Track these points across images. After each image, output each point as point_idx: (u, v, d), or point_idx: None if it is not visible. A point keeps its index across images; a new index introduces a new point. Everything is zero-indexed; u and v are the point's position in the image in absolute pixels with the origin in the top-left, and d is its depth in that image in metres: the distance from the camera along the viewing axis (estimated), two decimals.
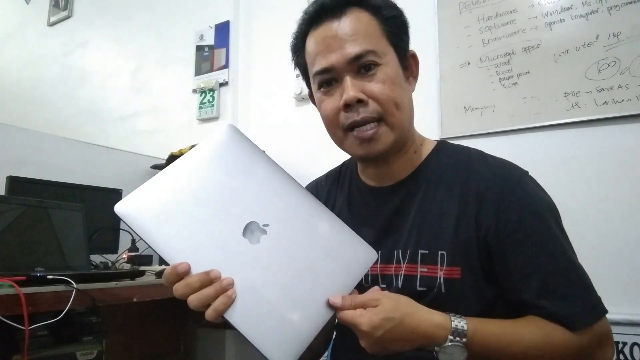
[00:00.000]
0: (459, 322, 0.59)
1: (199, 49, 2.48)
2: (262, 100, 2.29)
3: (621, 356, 1.31)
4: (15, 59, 3.56)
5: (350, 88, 0.66)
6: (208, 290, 0.52)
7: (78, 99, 3.07)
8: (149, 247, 0.54)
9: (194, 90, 2.45)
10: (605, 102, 1.43)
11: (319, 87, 0.71)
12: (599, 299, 0.64)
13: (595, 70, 1.46)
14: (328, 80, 0.70)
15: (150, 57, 2.74)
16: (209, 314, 0.52)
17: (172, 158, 2.00)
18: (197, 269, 0.53)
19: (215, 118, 2.36)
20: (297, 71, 0.79)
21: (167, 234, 0.54)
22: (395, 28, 0.71)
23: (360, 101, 0.66)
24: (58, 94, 3.19)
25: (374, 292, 0.59)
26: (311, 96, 0.79)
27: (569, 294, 0.62)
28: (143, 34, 2.80)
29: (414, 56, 0.75)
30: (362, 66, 0.67)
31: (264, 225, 0.58)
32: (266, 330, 0.53)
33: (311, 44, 0.71)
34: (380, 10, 0.70)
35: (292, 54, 0.78)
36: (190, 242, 0.54)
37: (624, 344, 1.31)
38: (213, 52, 2.42)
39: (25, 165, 1.64)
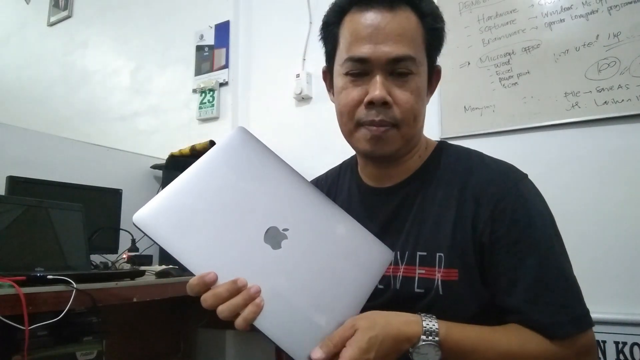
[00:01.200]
0: (430, 322, 0.59)
1: (199, 49, 2.48)
2: (262, 100, 2.29)
3: (621, 356, 1.31)
4: (15, 59, 3.56)
5: (380, 87, 0.64)
6: (237, 300, 0.51)
7: (78, 99, 3.07)
8: (173, 257, 0.53)
9: (194, 90, 2.45)
10: (605, 102, 1.43)
11: (346, 73, 0.68)
12: (586, 310, 0.63)
13: (595, 70, 1.46)
14: (358, 69, 0.67)
15: (150, 57, 2.74)
16: (239, 323, 0.51)
17: (172, 158, 2.01)
18: (222, 277, 0.52)
19: (215, 118, 2.36)
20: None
21: (189, 243, 0.53)
22: (435, 40, 0.70)
23: (385, 103, 0.65)
24: (58, 94, 3.19)
25: (345, 329, 0.57)
26: (325, 73, 0.77)
27: (553, 302, 0.61)
28: (143, 34, 2.80)
29: (438, 72, 0.74)
30: (396, 69, 0.65)
31: (284, 229, 0.57)
32: (296, 335, 0.54)
33: (353, 24, 0.67)
34: (428, 18, 0.68)
35: (323, 26, 0.73)
36: (214, 251, 0.54)
37: (624, 344, 1.31)
38: (213, 52, 2.42)
39: (25, 165, 1.64)
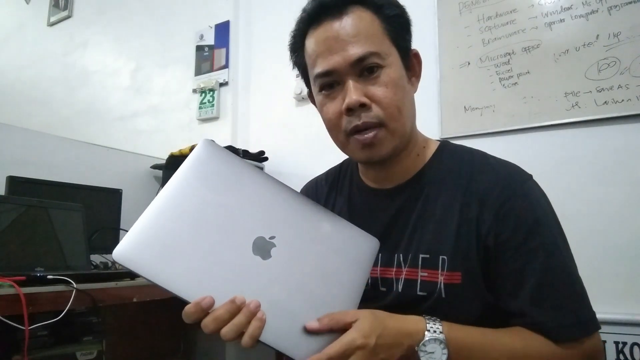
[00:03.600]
0: (432, 321, 0.59)
1: (199, 49, 2.48)
2: (262, 100, 2.29)
3: (621, 356, 1.31)
4: (15, 59, 3.56)
5: (353, 92, 0.64)
6: (239, 319, 0.50)
7: (78, 99, 3.07)
8: (162, 289, 0.50)
9: (194, 90, 2.45)
10: (605, 102, 1.43)
11: (320, 89, 0.69)
12: (592, 314, 0.62)
13: (595, 70, 1.46)
14: (329, 83, 0.67)
15: (150, 57, 2.74)
16: (246, 341, 0.50)
17: (172, 158, 2.00)
18: (219, 299, 0.51)
19: (215, 118, 2.36)
20: (297, 71, 0.77)
21: (177, 271, 0.51)
22: (398, 27, 0.68)
23: (363, 105, 0.64)
24: (58, 94, 3.19)
25: (347, 312, 0.57)
26: (310, 96, 0.77)
27: (559, 305, 0.61)
28: (143, 34, 2.80)
29: (416, 55, 0.73)
30: (364, 68, 0.65)
31: (271, 238, 0.57)
32: (301, 341, 0.53)
33: (311, 44, 0.68)
34: (383, 8, 0.67)
35: (291, 54, 0.75)
36: (205, 274, 0.52)
37: (624, 344, 1.31)
38: (213, 52, 2.42)
39: (25, 165, 1.64)
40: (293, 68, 0.77)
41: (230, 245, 0.54)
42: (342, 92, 0.66)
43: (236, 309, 0.51)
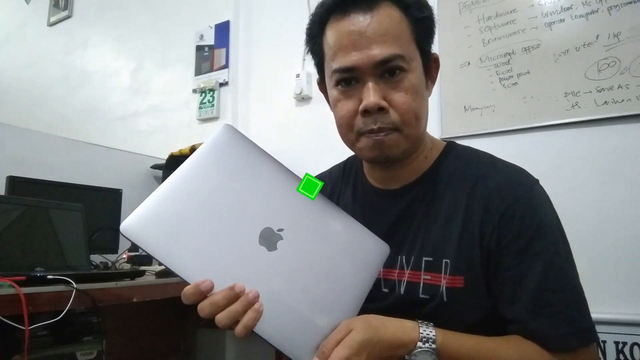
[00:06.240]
0: (427, 329, 0.58)
1: (199, 49, 2.48)
2: (262, 100, 2.29)
3: (621, 356, 1.31)
4: (15, 59, 3.56)
5: (372, 94, 0.61)
6: (235, 307, 0.50)
7: (78, 99, 3.07)
8: (164, 266, 0.50)
9: (194, 90, 2.45)
10: (605, 102, 1.43)
11: (337, 84, 0.65)
12: (590, 324, 0.60)
13: (595, 70, 1.46)
14: (348, 79, 0.64)
15: (150, 57, 2.74)
16: (239, 330, 0.50)
17: (172, 158, 2.00)
18: (218, 284, 0.50)
19: (215, 118, 2.36)
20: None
21: (181, 251, 0.51)
22: (425, 30, 0.66)
23: (381, 109, 0.62)
24: (58, 94, 3.19)
25: (340, 330, 0.56)
26: (320, 84, 0.74)
27: (556, 313, 0.59)
28: (143, 34, 2.80)
29: (436, 60, 0.71)
30: (387, 70, 0.62)
31: (279, 230, 0.56)
32: (297, 339, 0.53)
33: (333, 34, 0.64)
34: (412, 9, 0.64)
35: (307, 39, 0.71)
36: (208, 257, 0.51)
37: (624, 344, 1.31)
38: (213, 52, 2.42)
39: (25, 165, 1.64)
40: (307, 53, 0.73)
41: (237, 232, 0.54)
42: (360, 92, 0.63)
43: (234, 296, 0.50)
